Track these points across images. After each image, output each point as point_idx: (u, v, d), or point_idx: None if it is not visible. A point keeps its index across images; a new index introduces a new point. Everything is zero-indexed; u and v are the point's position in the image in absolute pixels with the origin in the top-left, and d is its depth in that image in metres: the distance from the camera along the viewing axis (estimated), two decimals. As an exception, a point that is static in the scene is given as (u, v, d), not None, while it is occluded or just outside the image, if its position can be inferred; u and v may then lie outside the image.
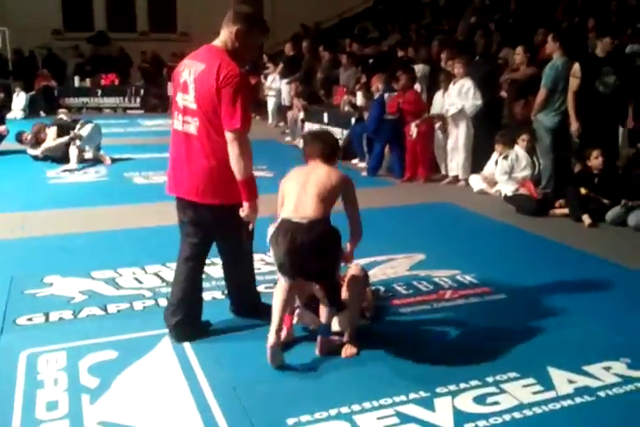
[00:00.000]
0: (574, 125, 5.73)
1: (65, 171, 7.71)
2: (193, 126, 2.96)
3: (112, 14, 17.94)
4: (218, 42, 2.99)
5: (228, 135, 2.85)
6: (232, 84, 2.81)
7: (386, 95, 7.36)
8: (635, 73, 5.85)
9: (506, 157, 5.90)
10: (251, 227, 3.03)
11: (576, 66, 5.73)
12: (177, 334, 3.14)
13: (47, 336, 3.18)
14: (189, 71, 2.96)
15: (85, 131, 8.17)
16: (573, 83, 5.73)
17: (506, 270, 4.15)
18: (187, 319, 3.16)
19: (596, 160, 5.39)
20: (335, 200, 2.95)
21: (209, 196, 3.00)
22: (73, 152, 7.98)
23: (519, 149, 5.93)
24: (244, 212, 2.94)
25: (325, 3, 16.79)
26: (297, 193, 2.90)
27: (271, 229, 2.90)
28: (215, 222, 3.10)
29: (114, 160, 8.38)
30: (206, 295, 3.67)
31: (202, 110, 2.91)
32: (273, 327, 2.86)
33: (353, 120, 8.49)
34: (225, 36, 2.96)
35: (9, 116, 13.39)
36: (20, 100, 13.51)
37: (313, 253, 2.77)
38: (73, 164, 7.89)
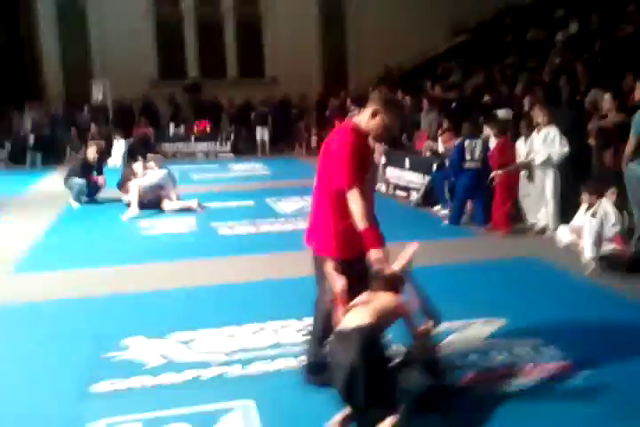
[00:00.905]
0: None
1: (128, 217, 8.08)
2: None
3: (204, 62, 18.86)
4: (356, 118, 3.38)
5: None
6: (342, 149, 3.20)
7: (466, 142, 7.25)
8: None
9: (594, 215, 5.59)
10: (381, 271, 3.13)
11: None
12: None
13: (124, 405, 3.27)
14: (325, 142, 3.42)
15: (155, 176, 8.58)
16: None
17: (592, 343, 3.87)
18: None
19: None
20: (388, 321, 3.03)
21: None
22: (133, 195, 8.37)
23: (607, 205, 5.62)
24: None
25: (407, 44, 16.88)
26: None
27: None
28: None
29: (203, 208, 8.66)
30: (280, 363, 3.71)
31: (319, 172, 3.38)
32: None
33: (435, 166, 8.41)
34: (363, 114, 3.33)
35: (109, 161, 14.35)
36: (119, 147, 14.39)
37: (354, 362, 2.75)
38: (134, 209, 8.27)
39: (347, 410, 2.81)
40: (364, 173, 3.23)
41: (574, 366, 3.53)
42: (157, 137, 15.83)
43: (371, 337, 2.81)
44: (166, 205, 8.60)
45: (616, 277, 5.22)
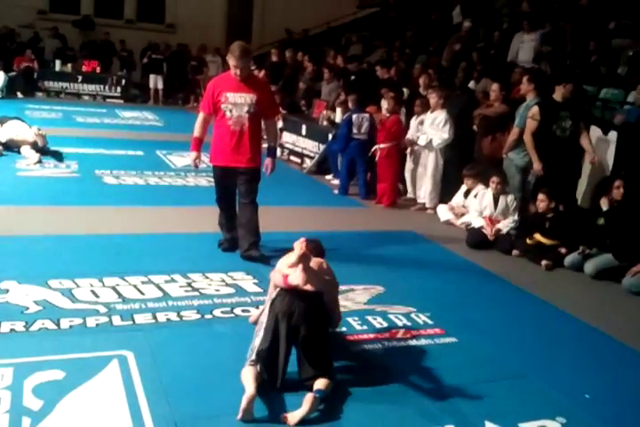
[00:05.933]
0: (537, 165, 5.82)
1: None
2: None
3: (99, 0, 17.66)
4: None
5: None
6: None
7: (354, 116, 7.41)
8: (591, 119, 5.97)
9: (475, 196, 6.00)
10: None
11: (535, 108, 5.85)
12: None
13: (-4, 349, 3.16)
14: None
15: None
16: (531, 125, 5.86)
17: (461, 312, 4.22)
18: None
19: (541, 203, 5.48)
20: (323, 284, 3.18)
21: None
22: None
23: (484, 189, 6.06)
24: None
25: (314, 10, 16.84)
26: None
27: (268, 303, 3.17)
28: None
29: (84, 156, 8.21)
30: (160, 316, 3.72)
31: None
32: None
33: (330, 136, 8.54)
34: None
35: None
36: (-2, 79, 13.28)
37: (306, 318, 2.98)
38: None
39: (250, 390, 2.78)
40: (209, 103, 4.69)
41: (441, 333, 3.83)
42: (41, 73, 14.75)
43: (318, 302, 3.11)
44: (23, 149, 7.89)
45: (489, 255, 5.65)
